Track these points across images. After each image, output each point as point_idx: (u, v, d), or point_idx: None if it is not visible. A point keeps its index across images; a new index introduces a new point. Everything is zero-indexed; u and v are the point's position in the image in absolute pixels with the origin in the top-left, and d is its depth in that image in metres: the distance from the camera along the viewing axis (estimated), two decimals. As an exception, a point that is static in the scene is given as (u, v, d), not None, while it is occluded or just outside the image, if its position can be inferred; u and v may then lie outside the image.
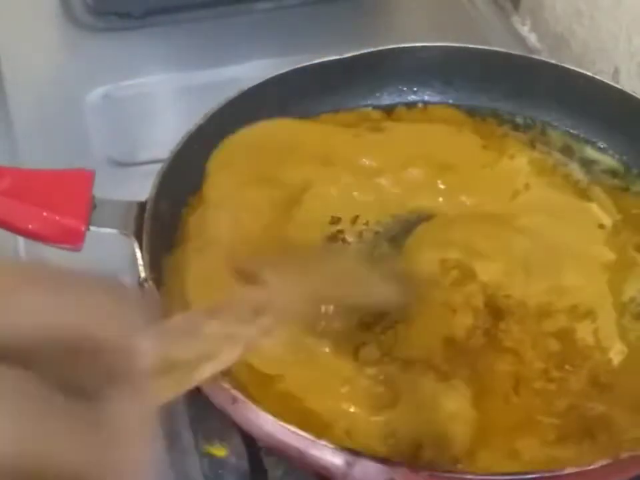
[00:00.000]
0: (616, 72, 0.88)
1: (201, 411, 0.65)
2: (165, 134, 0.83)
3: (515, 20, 1.03)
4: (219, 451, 0.64)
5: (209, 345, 0.42)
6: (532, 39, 1.00)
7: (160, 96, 0.92)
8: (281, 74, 0.77)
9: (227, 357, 0.43)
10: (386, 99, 0.82)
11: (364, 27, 0.98)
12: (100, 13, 0.97)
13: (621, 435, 0.59)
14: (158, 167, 0.69)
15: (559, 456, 0.58)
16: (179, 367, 0.40)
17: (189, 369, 0.41)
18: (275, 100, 0.77)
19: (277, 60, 0.90)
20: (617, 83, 0.86)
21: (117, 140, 0.85)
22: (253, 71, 0.90)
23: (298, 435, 0.54)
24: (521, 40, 1.00)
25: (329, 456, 0.53)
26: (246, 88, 0.75)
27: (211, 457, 0.64)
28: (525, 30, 1.01)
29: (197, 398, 0.62)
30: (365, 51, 0.79)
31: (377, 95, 0.82)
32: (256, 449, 0.64)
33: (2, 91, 0.89)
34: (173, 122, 0.89)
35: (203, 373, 0.41)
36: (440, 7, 1.02)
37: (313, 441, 0.53)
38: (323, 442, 0.52)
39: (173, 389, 0.40)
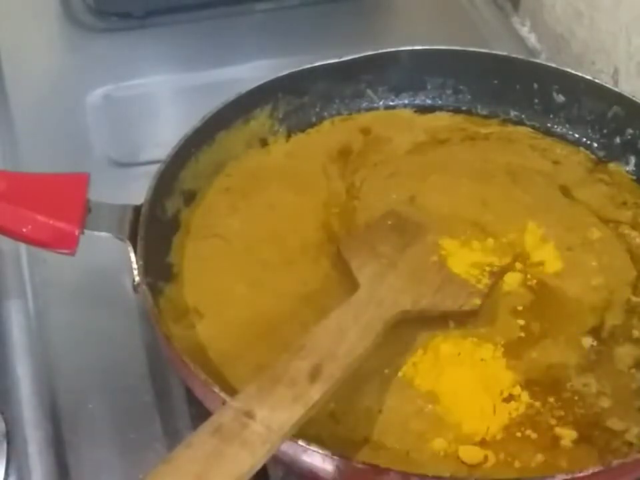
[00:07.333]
0: (615, 72, 0.88)
1: (202, 409, 0.65)
2: (165, 134, 0.83)
3: (515, 20, 1.03)
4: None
5: None
6: (532, 39, 1.00)
7: (160, 96, 0.92)
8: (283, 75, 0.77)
9: None
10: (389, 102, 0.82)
11: (364, 27, 0.98)
12: (100, 13, 0.98)
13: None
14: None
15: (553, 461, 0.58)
16: None
17: None
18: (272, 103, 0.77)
19: (277, 60, 0.91)
20: (617, 82, 0.86)
21: (117, 140, 0.86)
22: (253, 71, 0.90)
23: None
24: (521, 41, 1.00)
25: (319, 462, 0.53)
26: (244, 91, 0.75)
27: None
28: (524, 30, 1.02)
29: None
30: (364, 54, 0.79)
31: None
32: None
33: (2, 90, 0.89)
34: (173, 122, 0.89)
35: None
36: (440, 7, 1.02)
37: (303, 447, 0.53)
38: (313, 448, 0.52)
39: None
